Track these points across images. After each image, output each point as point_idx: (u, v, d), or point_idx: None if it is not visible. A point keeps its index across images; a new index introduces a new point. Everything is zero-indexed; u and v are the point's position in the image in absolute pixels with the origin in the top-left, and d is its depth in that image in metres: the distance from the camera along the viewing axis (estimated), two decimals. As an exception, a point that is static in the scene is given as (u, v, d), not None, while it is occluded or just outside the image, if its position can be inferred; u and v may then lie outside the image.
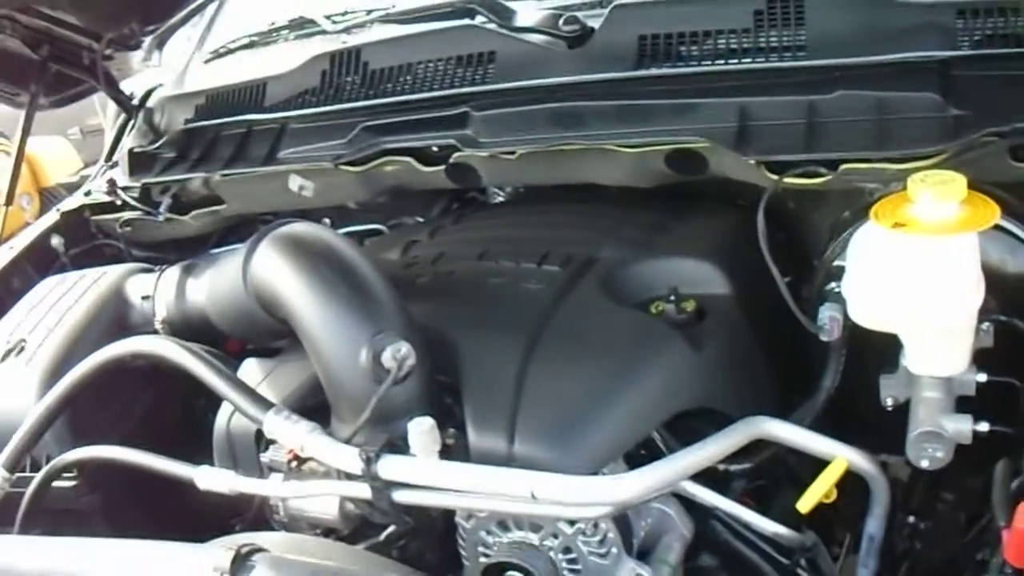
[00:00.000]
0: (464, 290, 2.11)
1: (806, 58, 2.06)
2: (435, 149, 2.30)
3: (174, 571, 1.44)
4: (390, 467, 1.75)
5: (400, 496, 1.78)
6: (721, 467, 1.88)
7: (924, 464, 1.81)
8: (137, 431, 2.21)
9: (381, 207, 2.55)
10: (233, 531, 2.04)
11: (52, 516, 2.07)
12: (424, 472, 1.75)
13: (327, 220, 2.64)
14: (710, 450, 1.79)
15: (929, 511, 2.18)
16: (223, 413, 2.01)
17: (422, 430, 1.74)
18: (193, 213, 2.59)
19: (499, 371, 1.86)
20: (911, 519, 2.15)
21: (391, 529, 1.87)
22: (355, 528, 1.90)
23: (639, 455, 1.84)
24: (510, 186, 2.55)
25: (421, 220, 2.66)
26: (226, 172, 2.51)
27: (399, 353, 1.78)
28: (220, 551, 1.40)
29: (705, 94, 2.09)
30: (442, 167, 2.28)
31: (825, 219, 2.17)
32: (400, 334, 1.81)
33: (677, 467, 1.77)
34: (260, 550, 1.42)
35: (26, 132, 2.77)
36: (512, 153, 2.17)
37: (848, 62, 2.01)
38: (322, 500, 1.88)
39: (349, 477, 1.81)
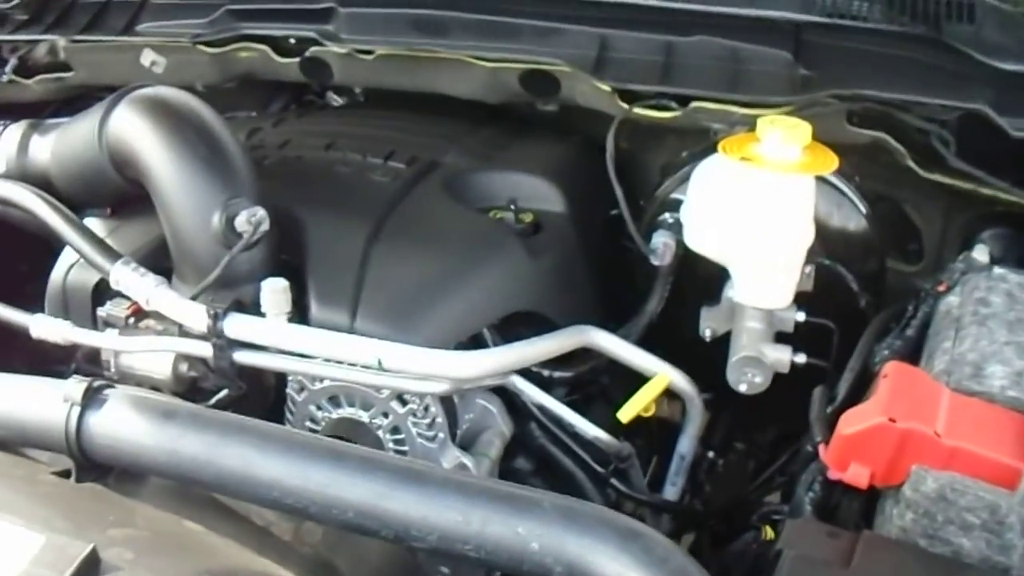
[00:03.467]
0: (311, 175, 2.14)
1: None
2: (292, 41, 2.31)
3: (25, 400, 1.44)
4: (237, 325, 1.78)
5: (242, 357, 1.81)
6: (545, 373, 1.96)
7: (743, 388, 1.92)
8: None
9: (224, 95, 2.54)
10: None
11: None
12: (272, 333, 1.79)
13: None
14: (544, 346, 1.89)
15: (724, 453, 2.33)
16: (61, 264, 1.99)
17: (275, 289, 1.79)
18: (38, 78, 2.53)
19: (344, 251, 1.91)
20: (710, 454, 2.29)
21: (222, 394, 1.87)
22: (184, 391, 1.90)
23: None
24: (360, 87, 2.59)
25: (254, 115, 2.67)
26: (79, 38, 2.46)
27: (254, 217, 1.81)
28: (72, 384, 1.40)
29: (569, 21, 2.15)
30: (297, 59, 2.30)
31: (657, 160, 2.29)
32: (255, 201, 1.84)
33: (515, 355, 1.85)
34: (111, 386, 1.44)
35: None
36: (370, 53, 2.20)
37: (709, 10, 2.10)
38: (155, 358, 1.88)
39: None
